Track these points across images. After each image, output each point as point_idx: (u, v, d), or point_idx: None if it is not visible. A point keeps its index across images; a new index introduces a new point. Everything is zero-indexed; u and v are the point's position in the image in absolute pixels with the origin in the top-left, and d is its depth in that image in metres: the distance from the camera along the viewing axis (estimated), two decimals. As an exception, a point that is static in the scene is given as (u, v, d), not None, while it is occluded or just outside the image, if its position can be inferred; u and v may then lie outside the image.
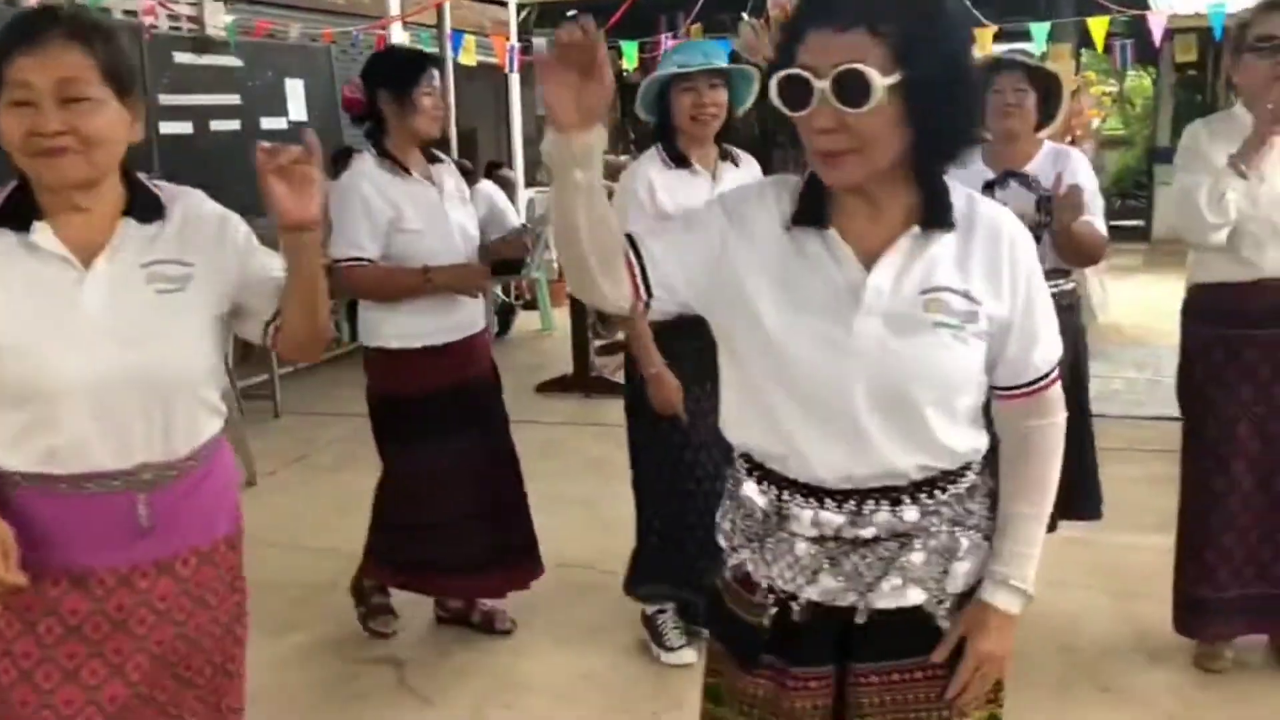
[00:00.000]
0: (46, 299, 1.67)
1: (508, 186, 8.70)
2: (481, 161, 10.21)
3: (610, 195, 1.76)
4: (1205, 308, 3.10)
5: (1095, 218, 3.32)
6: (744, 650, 1.64)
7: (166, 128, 6.82)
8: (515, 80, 10.34)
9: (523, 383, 7.00)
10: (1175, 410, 3.26)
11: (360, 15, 8.86)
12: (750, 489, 1.60)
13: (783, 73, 1.40)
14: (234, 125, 7.40)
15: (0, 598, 1.67)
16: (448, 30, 8.32)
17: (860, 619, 1.56)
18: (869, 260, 1.49)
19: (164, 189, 1.82)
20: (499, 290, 8.73)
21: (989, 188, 3.36)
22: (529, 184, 10.35)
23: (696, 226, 1.57)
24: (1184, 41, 11.25)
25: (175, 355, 1.73)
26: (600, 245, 1.48)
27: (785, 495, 1.56)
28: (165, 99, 6.88)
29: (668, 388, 3.12)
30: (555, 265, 9.48)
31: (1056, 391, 1.61)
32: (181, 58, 7.08)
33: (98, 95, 1.65)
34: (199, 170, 6.48)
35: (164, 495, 1.76)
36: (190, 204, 1.81)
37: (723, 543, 1.68)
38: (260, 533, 4.48)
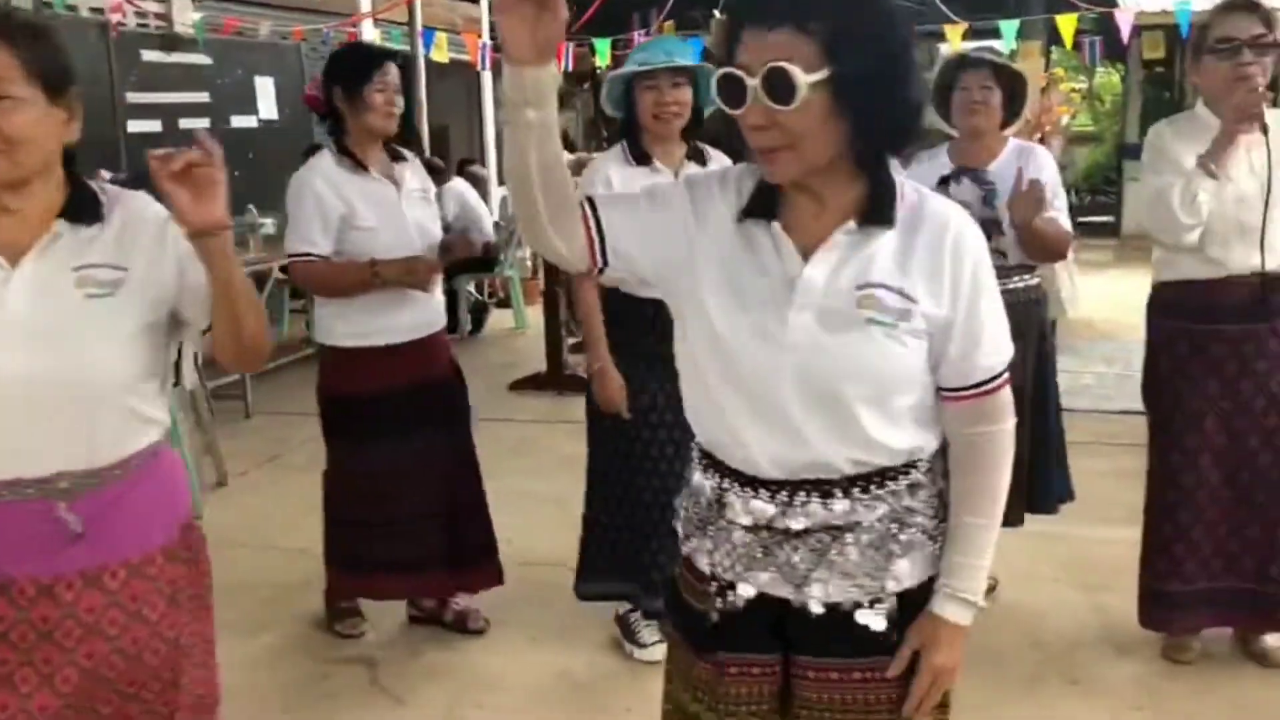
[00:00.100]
0: None
1: (479, 183, 8.69)
2: (454, 159, 10.18)
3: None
4: (1171, 304, 3.13)
5: (1059, 214, 3.36)
6: (694, 637, 1.67)
7: (135, 126, 6.78)
8: (488, 77, 10.33)
9: (496, 381, 7.00)
10: (1143, 405, 3.29)
11: (331, 13, 8.82)
12: (698, 476, 1.65)
13: (720, 71, 1.43)
14: (203, 123, 7.36)
15: None
16: (419, 27, 8.29)
17: (787, 607, 1.57)
18: (810, 254, 1.50)
19: (109, 192, 1.78)
20: (472, 288, 8.72)
21: (944, 183, 3.43)
22: (502, 181, 10.34)
23: (660, 204, 1.59)
24: (1152, 38, 11.36)
25: (98, 362, 1.68)
26: (552, 190, 1.48)
27: (725, 484, 1.59)
28: (133, 97, 6.84)
29: (611, 385, 3.15)
30: (528, 263, 9.49)
31: (1005, 396, 1.58)
32: (149, 55, 7.04)
33: (20, 94, 1.61)
34: (168, 169, 6.45)
35: (87, 504, 1.71)
36: (133, 207, 1.75)
37: (679, 530, 1.71)
38: (231, 533, 4.52)
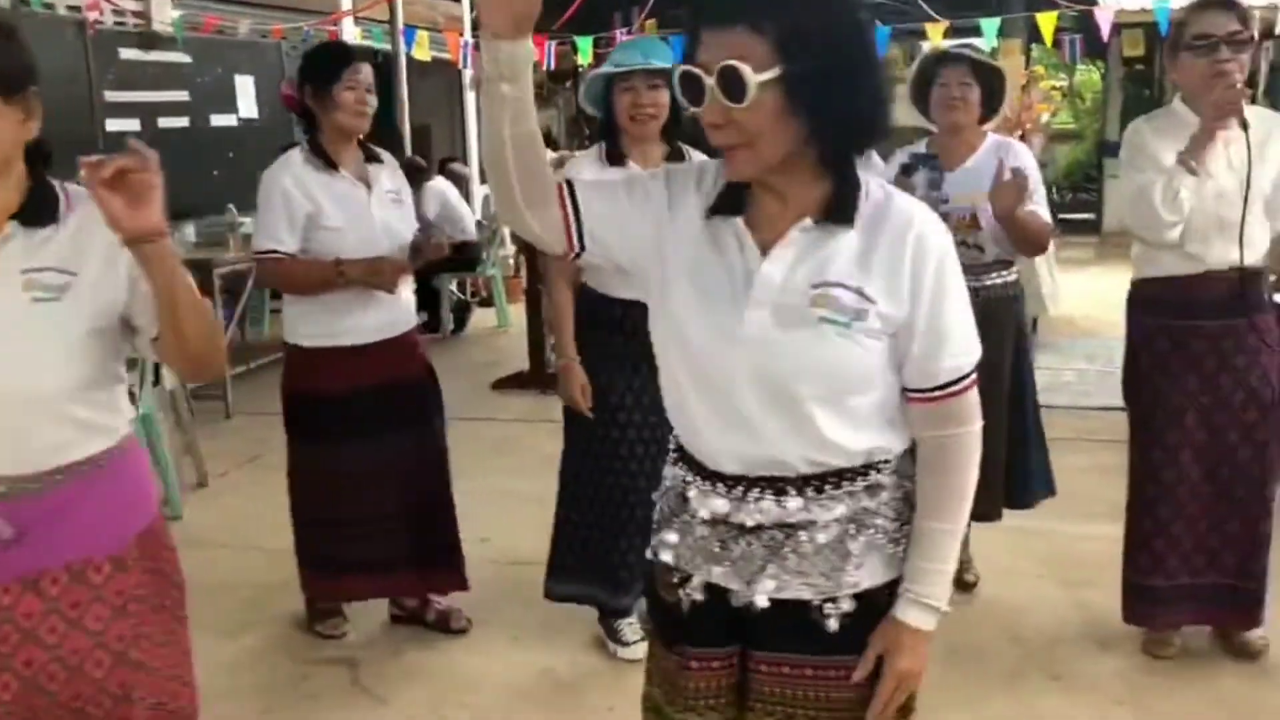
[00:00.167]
0: None
1: (459, 181, 8.65)
2: (436, 157, 10.16)
3: None
4: (1151, 300, 3.14)
5: (1039, 206, 3.40)
6: (663, 629, 1.69)
7: (112, 125, 6.73)
8: (469, 76, 10.30)
9: (478, 379, 6.99)
10: (1124, 401, 3.30)
11: (311, 11, 8.78)
12: (669, 468, 1.67)
13: (680, 70, 1.44)
14: (183, 122, 7.32)
15: None
16: (400, 26, 8.26)
17: (737, 602, 1.58)
18: (770, 251, 1.51)
19: (72, 192, 1.75)
20: (454, 287, 8.70)
21: (904, 171, 3.47)
22: (484, 179, 10.32)
23: (637, 193, 1.59)
24: (1131, 36, 11.42)
25: (38, 367, 1.65)
26: (526, 167, 1.49)
27: (689, 476, 1.61)
28: (111, 95, 6.79)
29: (573, 383, 3.18)
30: (511, 262, 9.47)
31: (971, 398, 1.56)
32: (127, 54, 6.99)
33: None
34: (147, 168, 6.41)
35: (25, 509, 1.68)
36: (92, 211, 1.68)
37: (655, 521, 1.72)
38: (212, 534, 4.50)
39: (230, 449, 5.53)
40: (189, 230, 7.11)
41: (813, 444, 1.51)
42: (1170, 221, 2.91)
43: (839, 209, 1.49)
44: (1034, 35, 9.67)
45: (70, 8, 6.81)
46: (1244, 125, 2.82)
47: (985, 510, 3.67)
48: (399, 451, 3.39)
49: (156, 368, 4.57)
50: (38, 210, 1.70)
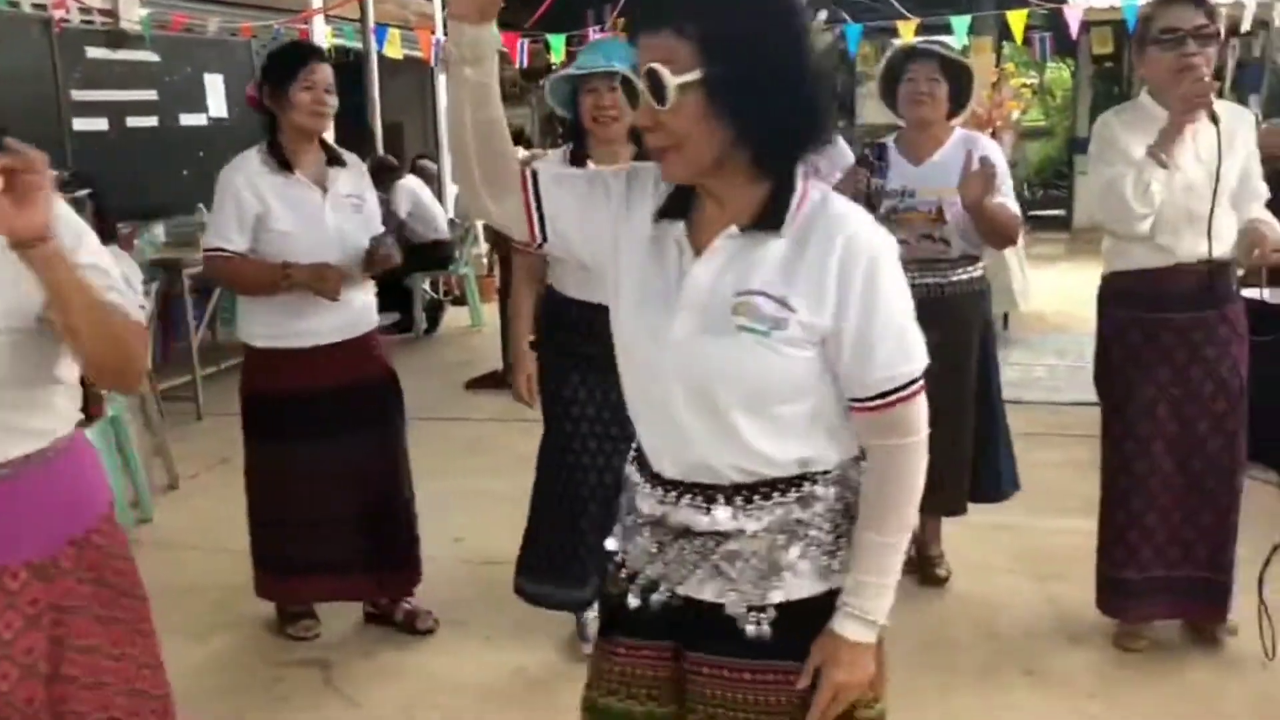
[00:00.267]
0: None
1: (428, 177, 8.61)
2: (408, 155, 10.12)
3: None
4: (1122, 293, 3.16)
5: (1007, 198, 3.43)
6: (605, 620, 1.72)
7: (80, 124, 6.67)
8: (441, 73, 10.26)
9: (451, 379, 6.96)
10: (1095, 396, 3.32)
11: (281, 9, 8.72)
12: (627, 467, 1.68)
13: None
14: (151, 122, 7.26)
15: None
16: (371, 24, 8.23)
17: (674, 602, 1.58)
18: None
19: None
20: (427, 286, 8.66)
21: (860, 162, 3.49)
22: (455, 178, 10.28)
23: (599, 189, 1.59)
24: (1100, 34, 11.52)
25: None
26: (488, 153, 1.52)
27: (636, 477, 1.63)
28: (78, 95, 6.72)
29: (519, 375, 3.27)
30: (484, 260, 9.44)
31: (912, 409, 1.51)
32: (94, 52, 6.92)
33: None
34: (115, 168, 6.35)
35: None
36: None
37: (616, 518, 1.74)
38: (182, 536, 4.46)
39: (201, 450, 5.49)
40: (158, 230, 7.05)
41: (740, 452, 1.50)
42: (1141, 214, 2.93)
43: (767, 216, 1.48)
44: (1004, 33, 9.73)
45: (36, 5, 6.73)
46: (1214, 118, 2.83)
47: (951, 504, 3.70)
48: (356, 453, 3.39)
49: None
50: None
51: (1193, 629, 3.34)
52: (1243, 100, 10.64)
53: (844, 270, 1.45)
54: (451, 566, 4.05)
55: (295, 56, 3.28)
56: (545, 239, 1.58)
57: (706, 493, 1.54)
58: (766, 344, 1.45)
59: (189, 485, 5.12)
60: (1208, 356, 3.07)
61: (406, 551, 3.54)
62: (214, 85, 7.87)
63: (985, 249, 3.63)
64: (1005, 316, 7.43)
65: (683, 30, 1.38)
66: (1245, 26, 8.85)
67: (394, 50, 8.53)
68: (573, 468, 3.20)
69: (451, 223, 8.71)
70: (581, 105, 3.11)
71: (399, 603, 3.60)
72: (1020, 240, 7.58)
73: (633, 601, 1.63)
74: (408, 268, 7.97)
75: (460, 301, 9.04)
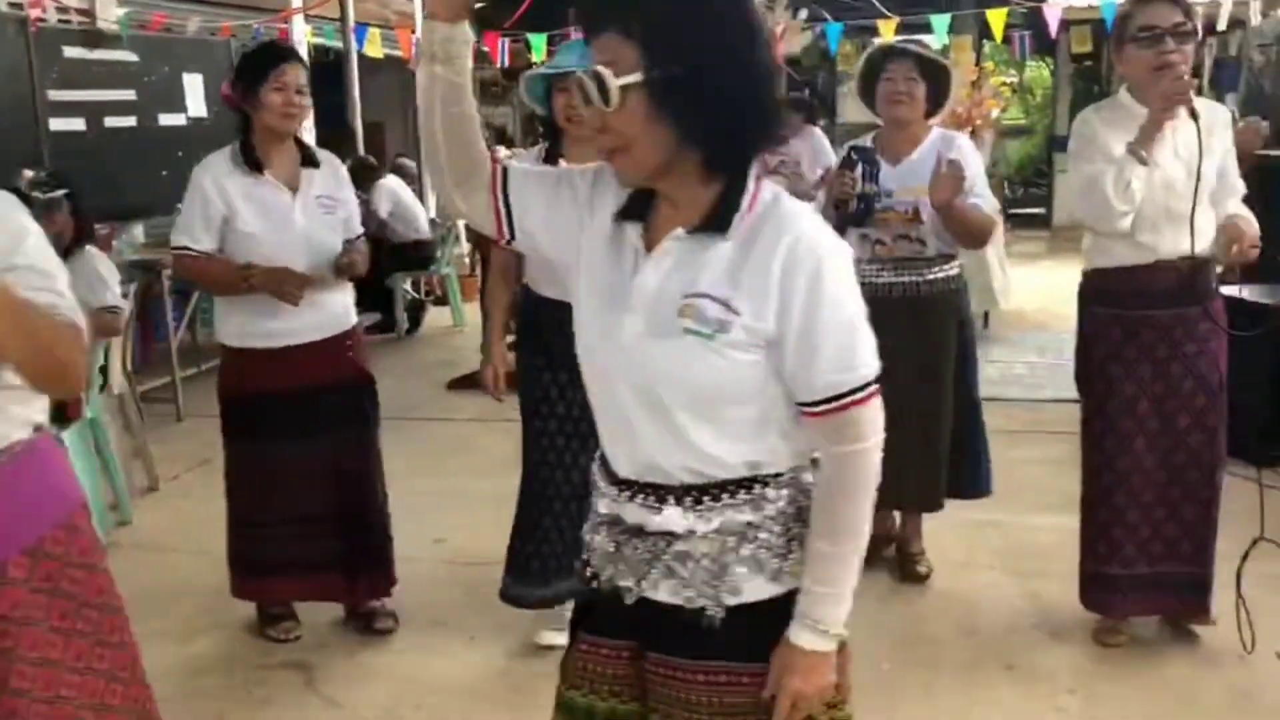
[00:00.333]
0: None
1: (409, 176, 8.58)
2: (389, 155, 10.09)
3: None
4: (1104, 291, 3.17)
5: (980, 199, 3.44)
6: (576, 617, 1.73)
7: (56, 124, 6.63)
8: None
9: (433, 379, 6.95)
10: (1076, 393, 3.33)
11: (261, 8, 8.68)
12: (594, 466, 1.68)
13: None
14: (130, 122, 7.22)
15: None
16: (351, 23, 8.21)
17: (628, 599, 1.58)
18: None
19: None
20: (408, 286, 8.64)
21: (844, 164, 3.53)
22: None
23: (566, 188, 1.60)
24: (1079, 33, 11.56)
25: None
26: (456, 150, 1.54)
27: (597, 478, 1.64)
28: (54, 95, 6.68)
29: (485, 368, 3.35)
30: (466, 260, 9.42)
31: (863, 415, 1.48)
32: (71, 52, 6.88)
33: None
34: (93, 168, 6.31)
35: None
36: None
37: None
38: (164, 537, 4.44)
39: (181, 452, 5.47)
40: (137, 231, 7.01)
41: (688, 453, 1.50)
42: (1122, 210, 2.94)
43: (715, 218, 1.47)
44: (984, 32, 9.77)
45: (11, 5, 6.69)
46: (1194, 115, 2.85)
47: (927, 501, 3.72)
48: (329, 454, 3.39)
49: (103, 372, 4.50)
50: None
51: (1171, 624, 3.36)
52: (1219, 98, 10.71)
53: (788, 273, 1.43)
54: (434, 567, 4.04)
55: (267, 57, 3.28)
56: (513, 236, 1.60)
57: (658, 493, 1.54)
58: (711, 347, 1.45)
59: (169, 487, 5.10)
60: (1188, 353, 3.09)
61: (379, 554, 3.53)
62: (193, 85, 7.83)
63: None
64: (986, 314, 7.46)
65: (627, 31, 1.39)
66: (1222, 25, 8.92)
67: (374, 50, 8.51)
68: (538, 464, 3.22)
69: (433, 222, 8.69)
70: (555, 104, 3.12)
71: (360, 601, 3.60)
72: (1001, 238, 7.65)
73: (595, 599, 1.64)
74: (389, 268, 7.96)
75: (442, 301, 9.02)
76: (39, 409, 1.80)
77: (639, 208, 1.53)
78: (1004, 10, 8.08)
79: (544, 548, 3.22)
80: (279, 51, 3.36)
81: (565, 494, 3.15)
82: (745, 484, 1.52)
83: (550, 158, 3.16)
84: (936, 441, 3.58)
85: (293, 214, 3.27)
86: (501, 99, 13.35)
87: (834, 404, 1.47)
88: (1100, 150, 3.00)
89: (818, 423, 1.49)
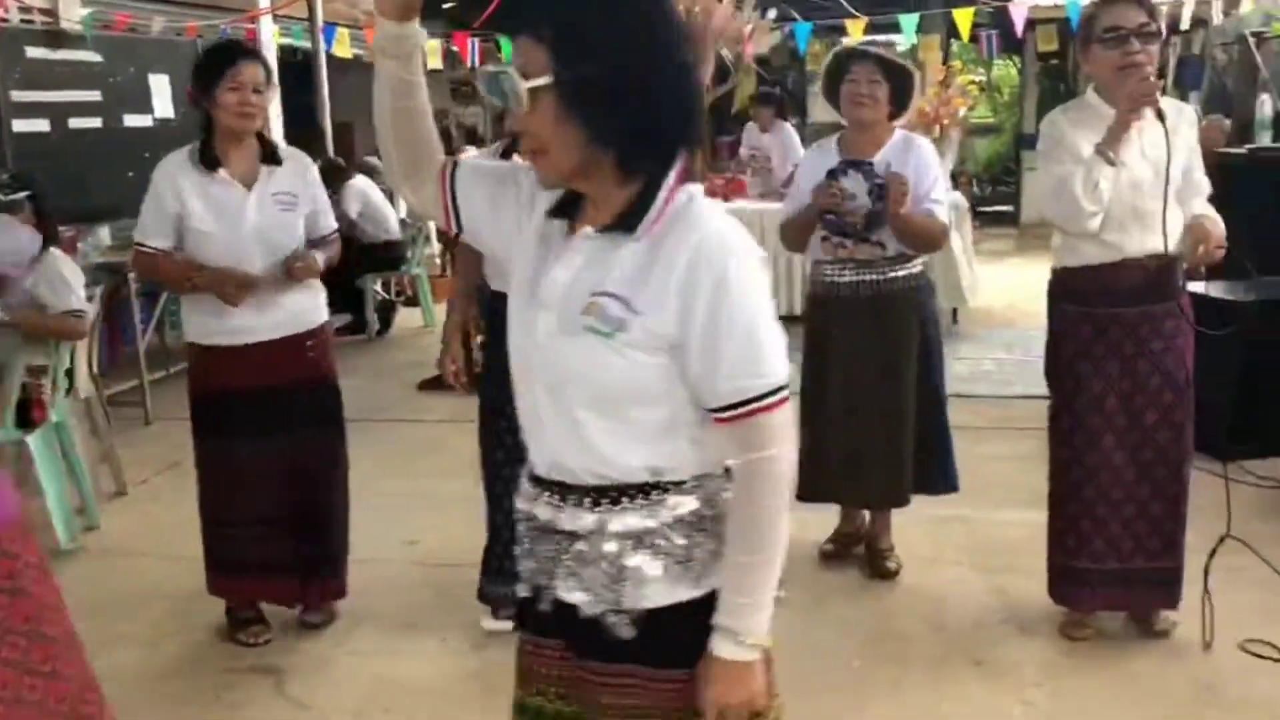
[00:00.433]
0: None
1: (374, 174, 8.55)
2: (359, 155, 10.03)
3: None
4: (1072, 289, 3.20)
5: (936, 205, 3.48)
6: (520, 620, 1.74)
7: (19, 125, 6.56)
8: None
9: (404, 380, 6.92)
10: (1044, 389, 3.36)
11: (227, 9, 8.62)
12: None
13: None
14: (95, 123, 7.15)
15: None
16: (320, 23, 8.15)
17: (544, 600, 1.59)
18: None
19: None
20: (379, 287, 8.60)
21: (832, 175, 3.53)
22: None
23: (510, 183, 1.61)
24: (1045, 32, 11.68)
25: None
26: (405, 144, 1.59)
27: (522, 475, 1.66)
28: (17, 95, 6.61)
29: (444, 358, 3.41)
30: (436, 260, 9.38)
31: (771, 422, 1.46)
32: (34, 52, 6.81)
33: None
34: (57, 170, 6.25)
35: None
36: None
37: None
38: (132, 542, 4.41)
39: (150, 456, 5.43)
40: (103, 233, 6.94)
41: (588, 454, 1.50)
42: (1091, 211, 2.97)
43: (624, 217, 1.48)
44: (952, 31, 9.83)
45: (-27, 5, 6.62)
46: (1160, 116, 2.88)
47: (892, 498, 3.75)
48: (288, 453, 3.38)
49: (69, 375, 4.46)
50: None
51: (1137, 620, 3.39)
52: (1183, 96, 10.83)
53: (693, 272, 1.42)
54: (405, 569, 4.03)
55: (223, 57, 3.26)
56: (461, 229, 1.62)
57: (563, 491, 1.55)
58: (611, 346, 1.44)
59: (138, 491, 5.05)
60: (1154, 350, 3.12)
61: (334, 559, 3.53)
62: (159, 86, 7.76)
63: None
64: (954, 311, 7.51)
65: (538, 34, 1.41)
66: (1185, 24, 9.00)
67: (343, 50, 8.46)
68: (507, 464, 3.22)
69: (403, 223, 8.65)
70: None
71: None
72: (969, 236, 7.70)
73: (524, 598, 1.65)
74: (359, 269, 7.93)
75: (412, 302, 8.99)
76: None
77: (570, 207, 1.54)
78: (971, 10, 8.13)
79: (514, 547, 3.22)
80: (237, 50, 3.35)
81: (510, 490, 3.15)
82: (646, 489, 1.51)
83: (506, 153, 3.16)
84: (899, 439, 3.60)
85: (245, 211, 3.26)
86: (472, 99, 13.33)
87: (740, 410, 1.45)
88: (1068, 151, 3.03)
89: (724, 429, 1.48)
